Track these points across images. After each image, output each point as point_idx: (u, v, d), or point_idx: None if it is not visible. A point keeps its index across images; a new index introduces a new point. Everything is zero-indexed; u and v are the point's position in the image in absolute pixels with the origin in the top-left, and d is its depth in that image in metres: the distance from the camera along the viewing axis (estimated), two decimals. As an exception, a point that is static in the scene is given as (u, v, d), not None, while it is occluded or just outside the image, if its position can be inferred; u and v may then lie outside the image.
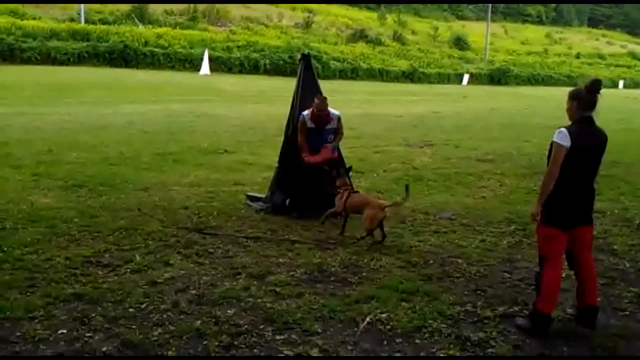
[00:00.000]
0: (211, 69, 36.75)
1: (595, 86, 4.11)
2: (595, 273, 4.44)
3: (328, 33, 54.86)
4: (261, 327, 4.22)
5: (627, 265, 5.82)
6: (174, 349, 3.85)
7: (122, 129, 14.09)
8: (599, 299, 4.47)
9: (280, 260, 5.65)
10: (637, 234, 6.93)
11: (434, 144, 13.83)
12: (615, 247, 6.37)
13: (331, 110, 7.21)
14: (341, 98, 23.23)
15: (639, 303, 4.89)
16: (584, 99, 4.12)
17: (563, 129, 4.07)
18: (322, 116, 7.11)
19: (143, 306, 4.50)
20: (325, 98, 7.16)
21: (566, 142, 4.00)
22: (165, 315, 4.36)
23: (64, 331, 4.06)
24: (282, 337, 4.09)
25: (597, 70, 61.32)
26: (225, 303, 4.60)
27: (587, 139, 4.08)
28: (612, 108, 27.70)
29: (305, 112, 7.15)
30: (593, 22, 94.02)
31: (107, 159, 10.38)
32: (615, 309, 4.73)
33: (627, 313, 4.67)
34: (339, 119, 7.26)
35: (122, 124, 14.98)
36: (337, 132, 7.30)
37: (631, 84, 57.71)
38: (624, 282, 5.34)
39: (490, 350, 3.99)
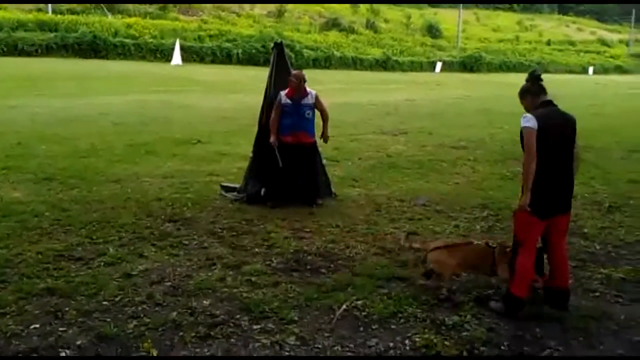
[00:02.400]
0: (183, 59, 36.34)
1: (534, 74, 4.34)
2: (567, 256, 4.52)
3: (301, 22, 54.59)
4: (237, 317, 4.22)
5: (597, 247, 5.94)
6: (149, 340, 3.82)
7: (94, 121, 13.86)
8: (570, 281, 4.56)
9: (256, 250, 5.64)
10: (606, 217, 7.07)
11: (408, 131, 13.90)
12: (585, 230, 6.48)
13: (308, 89, 7.21)
14: (316, 87, 23.11)
15: (608, 284, 4.99)
16: (532, 89, 4.29)
17: (528, 114, 4.17)
18: (300, 89, 7.07)
19: (117, 299, 4.45)
20: (301, 71, 7.22)
21: (533, 123, 4.07)
22: (140, 308, 4.32)
23: (37, 326, 4.01)
24: (259, 326, 4.09)
25: (568, 56, 62.20)
26: (200, 294, 4.59)
27: (553, 119, 4.18)
28: (583, 94, 28.17)
29: (283, 91, 7.15)
30: (563, 9, 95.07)
31: (79, 152, 10.21)
32: (586, 290, 4.83)
33: (597, 294, 4.77)
34: (316, 96, 7.21)
35: (93, 115, 14.74)
36: (316, 108, 7.23)
37: (601, 70, 58.64)
38: (594, 264, 5.45)
39: (465, 333, 4.04)
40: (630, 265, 5.47)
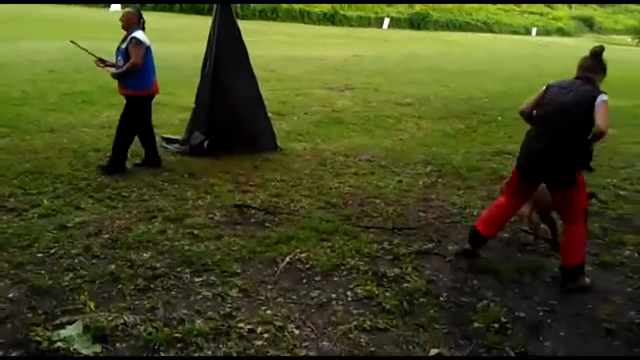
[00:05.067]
0: (122, 6, 34.80)
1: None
2: (571, 237, 4.26)
3: (247, -29, 53.02)
4: (178, 269, 4.15)
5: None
6: (86, 293, 3.71)
7: (25, 68, 13.17)
8: (507, 235, 4.67)
9: (199, 202, 5.54)
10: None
11: (355, 87, 13.85)
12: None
13: (139, 36, 6.42)
14: (262, 39, 22.72)
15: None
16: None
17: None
18: (126, 29, 6.46)
19: (52, 251, 4.31)
20: (130, 11, 6.62)
21: None
22: (76, 260, 4.19)
23: (-35, 279, 3.83)
24: (201, 279, 4.04)
25: (512, 17, 62.96)
26: (140, 246, 4.48)
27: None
28: (526, 55, 28.73)
29: None
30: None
31: (10, 99, 9.71)
32: (523, 244, 4.97)
33: (533, 247, 4.92)
34: (131, 40, 6.36)
35: (25, 62, 14.00)
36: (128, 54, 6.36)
37: (543, 32, 59.72)
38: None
39: (405, 285, 4.10)
40: (564, 220, 5.66)
